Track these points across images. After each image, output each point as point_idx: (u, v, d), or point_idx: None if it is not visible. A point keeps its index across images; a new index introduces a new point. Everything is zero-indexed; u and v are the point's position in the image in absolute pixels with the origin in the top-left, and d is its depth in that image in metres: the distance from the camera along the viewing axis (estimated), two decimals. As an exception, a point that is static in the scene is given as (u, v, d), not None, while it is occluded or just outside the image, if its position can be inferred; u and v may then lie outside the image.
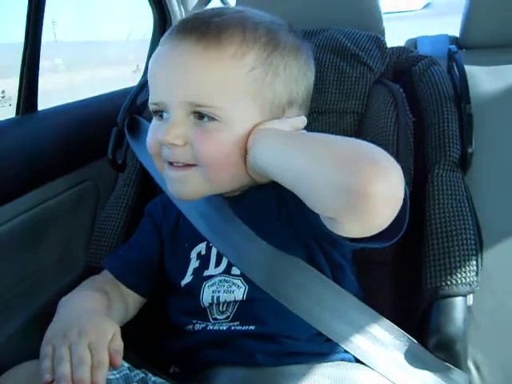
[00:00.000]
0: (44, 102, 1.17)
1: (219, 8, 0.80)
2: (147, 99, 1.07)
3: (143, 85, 1.09)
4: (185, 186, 0.76)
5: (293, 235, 0.77)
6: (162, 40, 0.76)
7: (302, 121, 0.79)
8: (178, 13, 1.63)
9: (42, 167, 1.06)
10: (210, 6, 1.71)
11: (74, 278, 1.03)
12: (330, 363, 0.71)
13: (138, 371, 0.71)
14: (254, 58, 0.72)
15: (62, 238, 1.08)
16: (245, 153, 0.73)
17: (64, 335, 0.62)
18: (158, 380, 0.71)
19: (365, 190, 0.56)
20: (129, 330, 0.81)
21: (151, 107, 0.76)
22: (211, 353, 0.74)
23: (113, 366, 0.61)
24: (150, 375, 0.71)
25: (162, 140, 0.72)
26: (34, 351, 0.79)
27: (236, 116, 0.72)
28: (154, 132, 0.76)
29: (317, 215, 0.66)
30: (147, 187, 1.01)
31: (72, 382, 0.56)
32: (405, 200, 0.63)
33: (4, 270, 0.92)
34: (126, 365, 0.70)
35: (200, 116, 0.72)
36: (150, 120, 1.02)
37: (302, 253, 0.76)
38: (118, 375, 0.67)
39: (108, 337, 0.62)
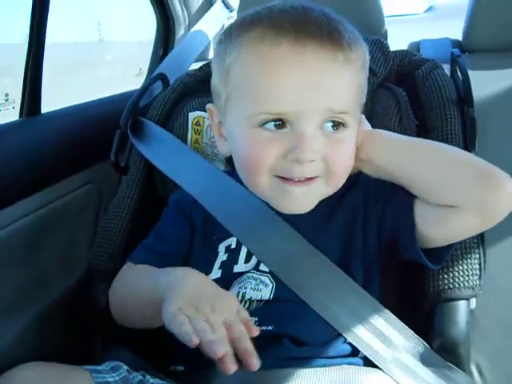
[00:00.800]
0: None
1: (327, 11, 0.75)
2: (150, 102, 1.09)
3: (146, 87, 1.09)
4: (307, 200, 0.75)
5: (336, 241, 0.78)
6: (258, 38, 0.70)
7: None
8: (181, 16, 1.63)
9: (46, 170, 1.06)
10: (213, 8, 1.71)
11: (77, 280, 1.03)
12: (335, 367, 0.71)
13: (137, 373, 0.70)
14: (365, 69, 0.77)
15: (65, 240, 1.08)
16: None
17: (197, 309, 0.63)
18: (156, 381, 0.71)
19: (502, 186, 0.69)
20: (128, 328, 0.81)
21: (264, 117, 0.70)
22: None
23: (251, 334, 0.62)
24: (148, 377, 0.71)
25: (302, 158, 0.69)
26: (39, 351, 0.79)
27: (354, 122, 0.75)
28: (266, 145, 0.71)
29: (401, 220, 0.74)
30: (150, 189, 1.01)
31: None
32: None
33: (8, 272, 0.92)
34: (125, 367, 0.70)
35: (332, 125, 0.72)
36: (154, 121, 1.03)
37: (341, 258, 0.76)
38: (116, 377, 0.67)
39: (236, 311, 0.64)
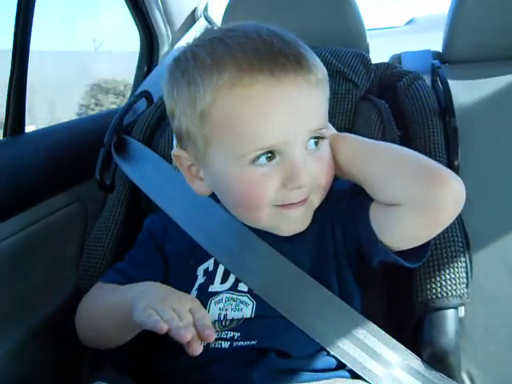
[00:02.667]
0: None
1: (280, 33, 0.73)
2: (134, 120, 1.09)
3: (130, 105, 1.09)
4: (306, 218, 0.76)
5: (311, 253, 0.78)
6: (232, 82, 0.68)
7: None
8: (164, 33, 1.64)
9: (30, 189, 1.05)
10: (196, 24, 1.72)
11: (64, 300, 1.02)
12: (326, 381, 0.71)
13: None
14: (327, 81, 0.77)
15: (51, 260, 1.07)
16: None
17: (163, 301, 0.69)
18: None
19: (446, 184, 0.67)
20: (125, 352, 0.81)
21: (257, 153, 0.70)
22: (207, 370, 0.73)
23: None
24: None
25: (301, 184, 0.70)
26: (27, 371, 0.78)
27: (328, 132, 0.77)
28: (264, 180, 0.71)
29: (365, 226, 0.73)
30: (136, 207, 1.01)
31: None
32: None
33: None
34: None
35: (315, 142, 0.73)
36: (139, 140, 1.03)
37: (316, 271, 0.77)
38: None
39: (199, 304, 0.70)
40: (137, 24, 1.62)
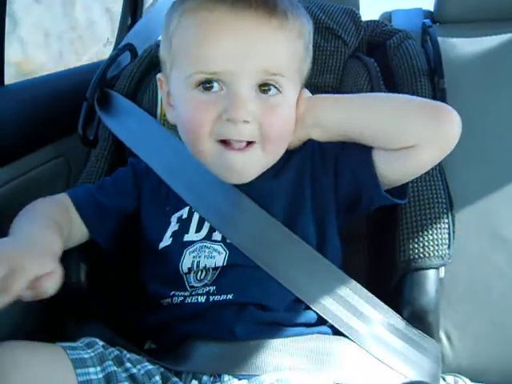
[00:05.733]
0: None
1: None
2: (118, 73, 1.06)
3: (113, 58, 1.06)
4: (248, 168, 0.76)
5: (285, 201, 0.78)
6: (197, 5, 0.73)
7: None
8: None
9: (12, 144, 1.03)
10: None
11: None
12: (307, 336, 0.72)
13: (113, 349, 0.70)
14: (304, 40, 0.78)
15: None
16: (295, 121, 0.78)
17: None
18: (133, 357, 0.71)
19: (451, 116, 0.73)
20: (104, 305, 0.81)
21: (200, 76, 0.72)
22: (188, 326, 0.74)
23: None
24: (124, 352, 0.71)
25: (235, 116, 0.70)
26: (8, 328, 0.78)
27: (290, 88, 0.76)
28: (204, 107, 0.73)
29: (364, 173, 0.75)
30: (120, 163, 0.99)
31: None
32: None
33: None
34: (101, 343, 0.70)
35: (265, 89, 0.73)
36: (122, 94, 1.01)
37: (290, 221, 0.77)
38: (92, 354, 0.67)
39: (34, 271, 0.61)
40: (121, -26, 1.56)
